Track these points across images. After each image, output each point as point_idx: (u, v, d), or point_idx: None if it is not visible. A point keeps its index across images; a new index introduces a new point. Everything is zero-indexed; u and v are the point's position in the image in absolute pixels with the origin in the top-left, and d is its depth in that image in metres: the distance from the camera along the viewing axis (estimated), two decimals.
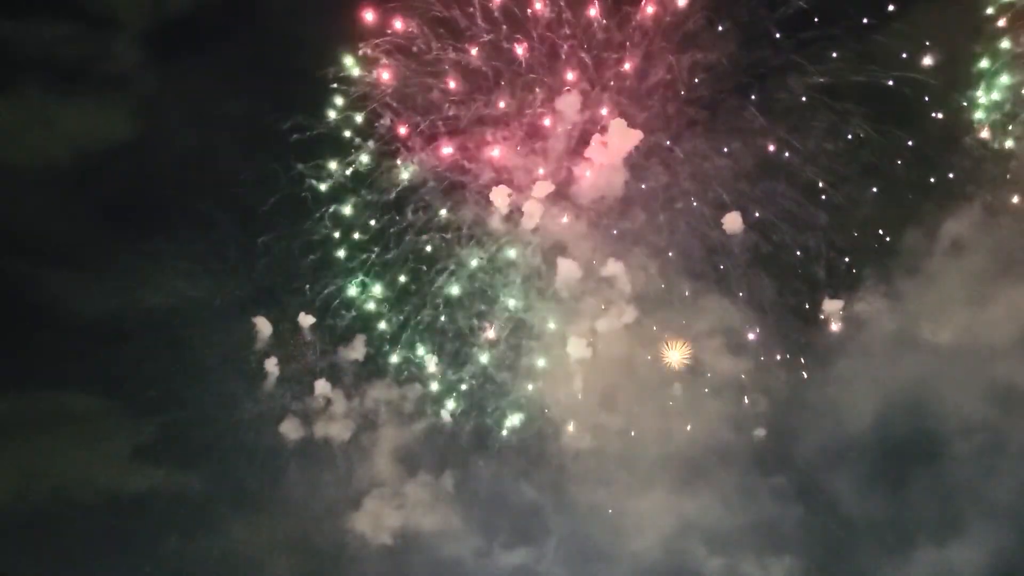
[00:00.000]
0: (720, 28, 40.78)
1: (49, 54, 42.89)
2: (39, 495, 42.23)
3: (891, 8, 40.36)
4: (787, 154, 41.93)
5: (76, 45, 43.13)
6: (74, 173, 43.41)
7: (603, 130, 42.19)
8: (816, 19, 40.14)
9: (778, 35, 40.71)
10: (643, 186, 42.83)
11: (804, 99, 41.23)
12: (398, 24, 41.62)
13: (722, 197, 42.47)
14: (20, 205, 42.66)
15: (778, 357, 43.32)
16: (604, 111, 42.44)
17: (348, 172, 43.17)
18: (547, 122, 42.87)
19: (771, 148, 41.90)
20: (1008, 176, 40.97)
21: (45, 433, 42.93)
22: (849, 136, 41.37)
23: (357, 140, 42.80)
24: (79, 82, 43.34)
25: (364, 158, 42.89)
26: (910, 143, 41.43)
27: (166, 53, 44.19)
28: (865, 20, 40.17)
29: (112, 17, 43.43)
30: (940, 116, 41.23)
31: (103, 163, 43.28)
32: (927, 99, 40.85)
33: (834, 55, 40.47)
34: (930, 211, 41.27)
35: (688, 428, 43.23)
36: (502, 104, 42.50)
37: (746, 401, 43.46)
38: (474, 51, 41.91)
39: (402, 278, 44.06)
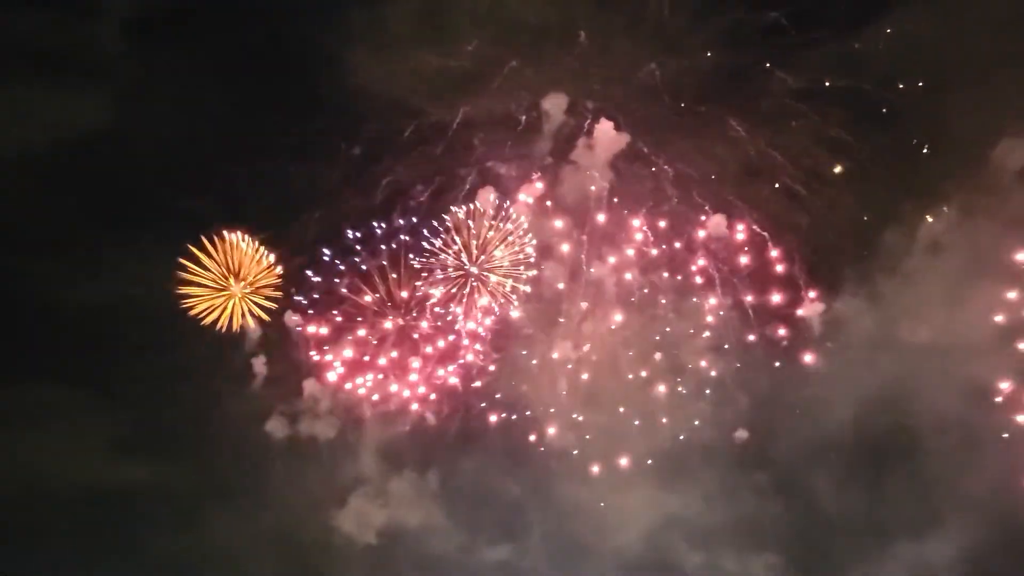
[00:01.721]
0: (703, 33, 41.26)
1: (30, 42, 42.38)
2: (17, 488, 42.20)
3: (872, 14, 40.74)
4: (769, 157, 42.32)
5: (58, 33, 42.66)
6: (55, 162, 42.96)
7: (589, 133, 42.49)
8: (798, 25, 40.59)
9: (760, 40, 41.21)
10: (628, 189, 43.21)
11: (786, 103, 41.65)
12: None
13: (706, 200, 42.89)
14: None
15: (760, 356, 43.89)
16: (589, 114, 42.78)
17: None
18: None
19: (753, 152, 42.28)
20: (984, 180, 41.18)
21: (25, 425, 42.81)
22: (829, 139, 41.80)
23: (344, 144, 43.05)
24: (61, 70, 42.86)
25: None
26: (891, 147, 41.88)
27: (149, 42, 44.03)
28: (846, 26, 40.65)
29: (95, 5, 42.96)
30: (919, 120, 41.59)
31: (85, 153, 42.89)
32: (906, 103, 41.36)
33: (815, 60, 40.87)
34: (908, 213, 41.82)
35: (670, 426, 43.92)
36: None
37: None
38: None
39: None
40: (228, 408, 43.90)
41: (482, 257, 43.25)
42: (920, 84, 41.30)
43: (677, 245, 43.54)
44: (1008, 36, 39.36)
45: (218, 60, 43.07)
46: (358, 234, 43.53)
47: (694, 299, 43.65)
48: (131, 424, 43.87)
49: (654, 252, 43.49)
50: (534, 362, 44.51)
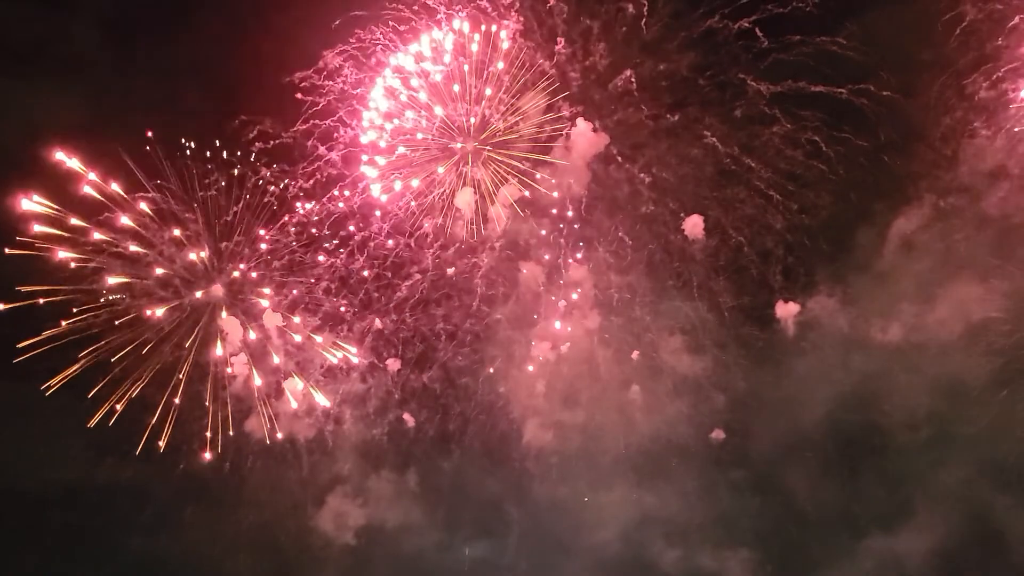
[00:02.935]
0: (679, 38, 41.55)
1: (4, 35, 41.72)
2: None
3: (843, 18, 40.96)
4: (744, 160, 42.69)
5: (33, 26, 42.25)
6: (32, 157, 41.57)
7: (567, 137, 42.65)
8: (770, 30, 40.78)
9: (735, 46, 41.40)
10: (606, 192, 43.58)
11: (760, 107, 41.97)
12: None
13: (684, 203, 43.32)
14: None
15: (736, 357, 44.40)
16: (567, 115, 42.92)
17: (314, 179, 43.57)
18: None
19: (728, 158, 42.68)
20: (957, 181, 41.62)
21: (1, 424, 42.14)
22: (804, 143, 42.14)
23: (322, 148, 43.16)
24: (36, 64, 42.48)
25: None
26: (864, 149, 42.13)
27: (125, 36, 43.42)
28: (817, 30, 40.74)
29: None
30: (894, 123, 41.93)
31: (61, 148, 41.39)
32: (881, 107, 41.62)
33: (789, 65, 41.19)
34: (882, 215, 42.21)
35: (648, 425, 44.35)
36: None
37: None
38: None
39: None
40: (208, 408, 43.91)
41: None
42: (891, 85, 41.48)
43: (656, 246, 43.97)
44: (977, 37, 39.69)
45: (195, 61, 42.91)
46: None
47: (671, 300, 44.03)
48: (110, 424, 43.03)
49: (631, 253, 43.89)
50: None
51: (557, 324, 44.23)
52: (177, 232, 42.72)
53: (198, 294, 43.16)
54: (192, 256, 43.05)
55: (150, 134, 41.92)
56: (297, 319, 43.98)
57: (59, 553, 42.99)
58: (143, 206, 41.93)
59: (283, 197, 43.36)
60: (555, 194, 43.16)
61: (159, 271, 42.60)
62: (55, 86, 41.53)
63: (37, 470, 42.46)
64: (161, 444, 42.56)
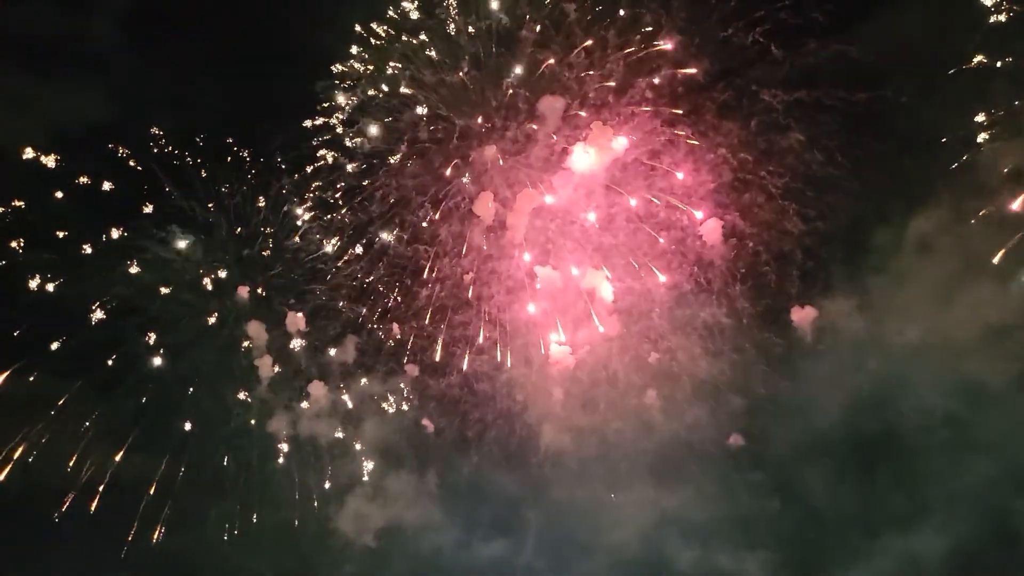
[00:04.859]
0: (694, 44, 41.73)
1: (26, 33, 42.23)
2: (12, 482, 42.19)
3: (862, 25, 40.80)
4: (762, 165, 42.74)
5: (54, 24, 42.66)
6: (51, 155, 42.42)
7: (585, 139, 42.70)
8: (781, 37, 40.87)
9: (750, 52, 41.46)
10: (623, 198, 43.63)
11: (777, 115, 42.03)
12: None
13: (700, 207, 43.27)
14: None
15: (754, 361, 44.43)
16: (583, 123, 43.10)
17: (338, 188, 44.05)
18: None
19: (746, 162, 42.69)
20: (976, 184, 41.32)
21: (17, 417, 42.61)
22: (821, 148, 42.06)
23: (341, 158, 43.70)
24: (57, 62, 42.89)
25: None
26: (882, 153, 41.96)
27: (146, 35, 44.06)
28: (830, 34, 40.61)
29: None
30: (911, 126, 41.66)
31: (81, 146, 42.86)
32: (898, 111, 41.38)
33: (806, 72, 41.17)
34: (899, 219, 41.90)
35: (666, 430, 44.54)
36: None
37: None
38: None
39: None
40: (232, 407, 44.58)
41: None
42: (908, 90, 41.26)
43: (674, 249, 44.02)
44: (993, 38, 39.49)
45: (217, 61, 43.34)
46: None
47: (688, 305, 44.15)
48: (132, 421, 43.89)
49: (649, 258, 44.05)
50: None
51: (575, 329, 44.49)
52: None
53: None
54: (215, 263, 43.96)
55: (164, 141, 42.76)
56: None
57: (76, 547, 43.16)
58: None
59: (305, 205, 44.15)
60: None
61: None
62: (72, 86, 42.24)
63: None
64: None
